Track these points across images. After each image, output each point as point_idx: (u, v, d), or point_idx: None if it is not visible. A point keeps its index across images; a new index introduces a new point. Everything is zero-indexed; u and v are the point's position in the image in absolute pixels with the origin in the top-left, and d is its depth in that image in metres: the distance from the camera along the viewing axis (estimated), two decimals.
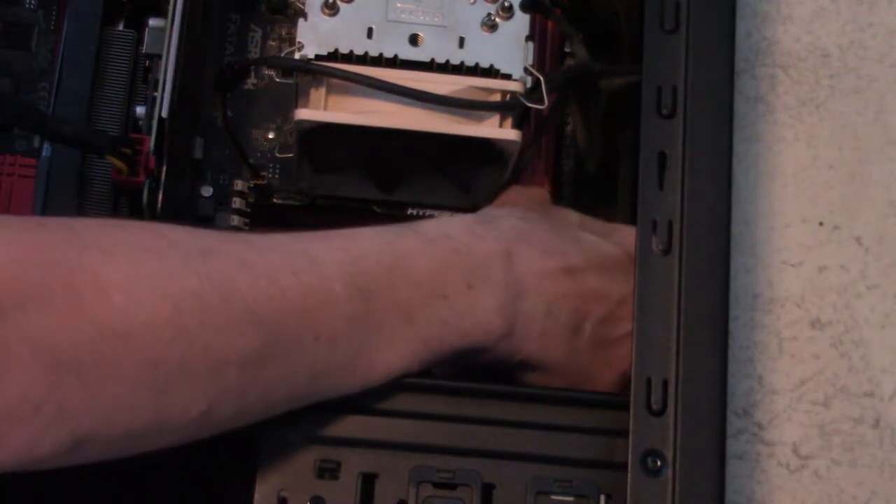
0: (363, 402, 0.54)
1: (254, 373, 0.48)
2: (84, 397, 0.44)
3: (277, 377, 0.49)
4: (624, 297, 0.56)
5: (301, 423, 0.53)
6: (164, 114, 0.59)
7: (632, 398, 0.53)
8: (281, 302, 0.48)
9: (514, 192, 0.62)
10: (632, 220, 0.57)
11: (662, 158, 0.56)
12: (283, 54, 0.61)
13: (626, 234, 0.58)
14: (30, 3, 0.65)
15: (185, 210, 0.65)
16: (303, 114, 0.58)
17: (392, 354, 0.52)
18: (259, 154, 0.67)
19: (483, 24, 0.59)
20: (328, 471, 0.53)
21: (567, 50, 0.66)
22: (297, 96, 0.60)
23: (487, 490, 0.53)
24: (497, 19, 0.59)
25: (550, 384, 0.56)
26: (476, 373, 0.57)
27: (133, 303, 0.44)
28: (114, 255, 0.45)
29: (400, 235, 0.53)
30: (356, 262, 0.51)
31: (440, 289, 0.53)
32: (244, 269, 0.48)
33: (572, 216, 0.61)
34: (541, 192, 0.63)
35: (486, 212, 0.59)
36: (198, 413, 0.47)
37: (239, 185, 0.66)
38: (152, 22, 0.63)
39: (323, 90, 0.59)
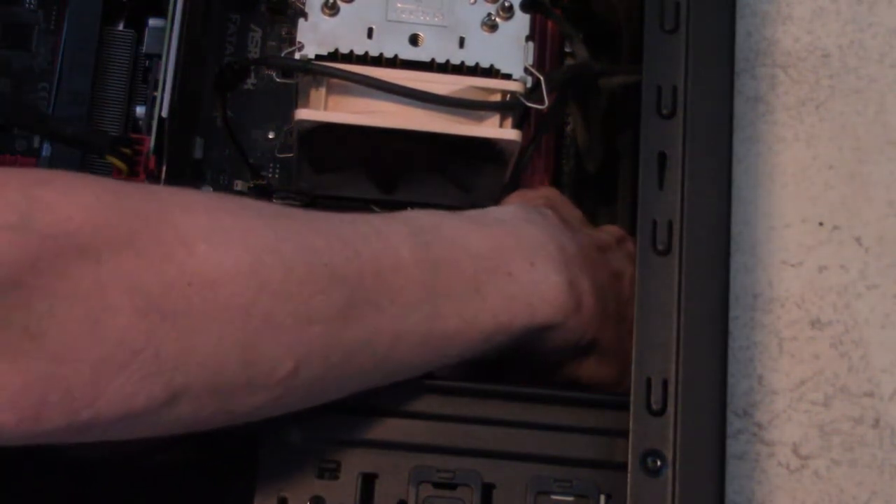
0: (363, 401, 0.54)
1: (337, 332, 0.48)
2: (177, 346, 0.44)
3: (358, 338, 0.49)
4: (632, 278, 0.57)
5: (301, 422, 0.53)
6: (164, 114, 0.59)
7: (632, 398, 0.53)
8: (356, 262, 0.49)
9: (523, 193, 0.62)
10: (632, 220, 0.57)
11: (662, 158, 0.56)
12: (283, 54, 0.61)
13: (612, 228, 0.60)
14: (30, 3, 0.65)
15: None
16: (303, 114, 0.58)
17: (464, 325, 0.52)
18: (259, 154, 0.67)
19: (483, 24, 0.59)
20: (328, 471, 0.53)
21: (567, 50, 0.66)
22: (297, 96, 0.60)
23: (487, 490, 0.53)
24: (497, 19, 0.59)
25: (607, 370, 0.57)
26: (483, 373, 0.57)
27: (217, 252, 0.45)
28: (193, 210, 0.46)
29: (452, 218, 0.54)
30: (418, 235, 0.52)
31: (503, 265, 0.53)
32: (318, 232, 0.49)
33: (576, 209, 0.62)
34: (550, 191, 0.63)
35: (517, 205, 0.59)
36: (285, 372, 0.47)
37: (239, 185, 0.66)
38: (152, 22, 0.63)
39: (323, 90, 0.59)
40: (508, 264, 0.53)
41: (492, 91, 0.59)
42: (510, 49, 0.59)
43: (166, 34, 0.60)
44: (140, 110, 0.62)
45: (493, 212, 0.57)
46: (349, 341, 0.49)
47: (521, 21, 0.59)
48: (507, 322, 0.53)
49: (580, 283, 0.55)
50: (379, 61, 0.59)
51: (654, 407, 0.53)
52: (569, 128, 0.68)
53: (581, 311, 0.55)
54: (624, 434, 0.52)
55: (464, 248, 0.53)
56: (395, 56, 0.58)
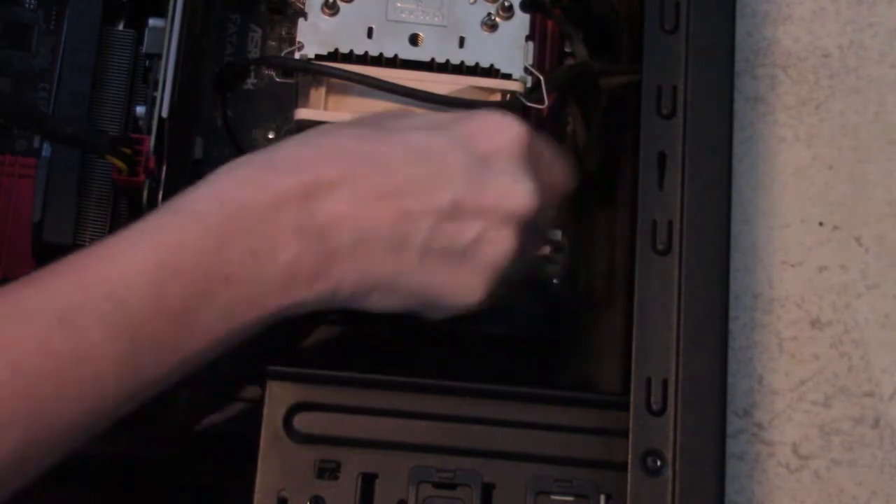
0: (363, 401, 0.54)
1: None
2: None
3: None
4: (455, 204, 0.51)
5: (301, 422, 0.53)
6: (164, 114, 0.59)
7: (632, 398, 0.53)
8: (35, 385, 0.45)
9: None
10: (632, 220, 0.57)
11: (662, 158, 0.56)
12: (283, 54, 0.61)
13: (471, 124, 0.53)
14: (30, 3, 0.65)
15: None
16: (303, 114, 0.58)
17: (180, 364, 0.48)
18: None
19: (483, 23, 0.59)
20: (328, 471, 0.53)
21: (567, 50, 0.66)
22: (297, 96, 0.60)
23: (487, 490, 0.53)
24: (497, 19, 0.59)
25: (396, 303, 0.53)
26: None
27: None
28: None
29: (165, 227, 0.49)
30: (120, 305, 0.47)
31: (218, 270, 0.48)
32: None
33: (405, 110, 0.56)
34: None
35: (309, 133, 0.54)
36: None
37: None
38: (152, 22, 0.63)
39: (323, 90, 0.59)
40: (224, 266, 0.48)
41: (492, 91, 0.59)
42: (510, 49, 0.59)
43: (166, 34, 0.60)
44: (140, 110, 0.62)
45: (232, 173, 0.51)
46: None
47: (521, 21, 0.59)
48: (240, 329, 0.49)
49: (322, 245, 0.50)
50: (379, 61, 0.59)
51: (654, 407, 0.53)
52: (569, 128, 0.68)
53: (328, 272, 0.50)
54: (624, 434, 0.52)
55: (171, 273, 0.48)
56: (395, 56, 0.58)
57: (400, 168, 0.52)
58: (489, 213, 0.52)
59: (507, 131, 0.53)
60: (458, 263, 0.52)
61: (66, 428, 0.46)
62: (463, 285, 0.53)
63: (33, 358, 0.45)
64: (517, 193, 0.52)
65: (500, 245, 0.52)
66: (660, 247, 0.55)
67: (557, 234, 0.61)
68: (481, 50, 0.59)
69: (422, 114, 0.57)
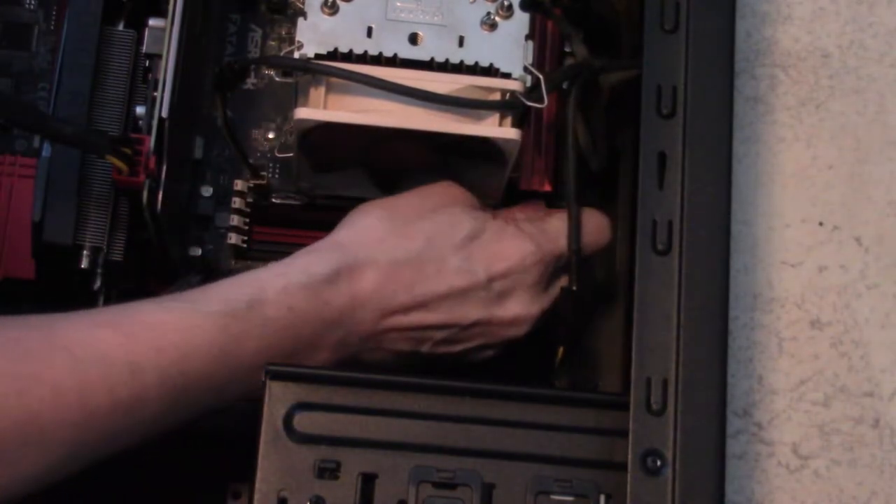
0: (363, 401, 0.54)
1: None
2: None
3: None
4: (478, 322, 0.59)
5: (301, 422, 0.53)
6: (164, 114, 0.59)
7: (632, 398, 0.53)
8: (82, 420, 0.50)
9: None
10: (632, 220, 0.57)
11: (662, 158, 0.56)
12: (282, 54, 0.61)
13: (554, 227, 0.61)
14: (30, 3, 0.65)
15: (184, 210, 0.65)
16: (303, 113, 0.58)
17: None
18: (259, 154, 0.66)
19: (483, 23, 0.59)
20: (328, 471, 0.53)
21: (567, 49, 0.66)
22: (297, 96, 0.60)
23: (487, 490, 0.53)
24: (497, 18, 0.59)
25: None
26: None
27: None
28: None
29: (235, 318, 0.54)
30: (179, 363, 0.52)
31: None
32: (56, 395, 0.49)
33: (466, 224, 0.60)
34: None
35: (357, 246, 0.59)
36: None
37: (239, 185, 0.66)
38: (152, 22, 0.63)
39: (323, 89, 0.58)
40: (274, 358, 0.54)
41: (491, 90, 0.59)
42: (510, 48, 0.59)
43: (166, 34, 0.60)
44: (140, 110, 0.62)
45: (301, 286, 0.56)
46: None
47: (521, 20, 0.59)
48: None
49: (356, 350, 0.58)
50: (378, 60, 0.58)
51: (654, 407, 0.53)
52: (569, 128, 0.68)
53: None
54: (624, 434, 0.52)
55: (232, 360, 0.53)
56: (395, 55, 0.58)
57: (438, 286, 0.58)
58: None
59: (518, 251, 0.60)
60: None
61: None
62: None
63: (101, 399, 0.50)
64: (523, 321, 0.60)
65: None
66: (660, 247, 0.55)
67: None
68: (481, 49, 0.59)
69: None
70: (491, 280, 0.59)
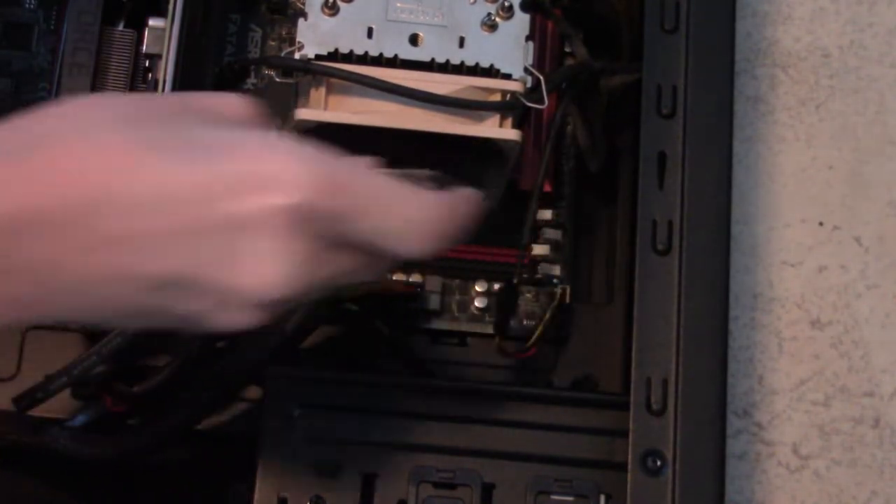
0: (363, 402, 0.54)
1: None
2: None
3: None
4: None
5: (301, 422, 0.53)
6: None
7: (632, 398, 0.53)
8: None
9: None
10: (632, 219, 0.57)
11: (662, 158, 0.56)
12: (283, 54, 0.61)
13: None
14: (30, 3, 0.65)
15: None
16: (303, 114, 0.58)
17: None
18: None
19: (483, 23, 0.59)
20: (328, 471, 0.53)
21: (567, 50, 0.66)
22: (297, 96, 0.60)
23: (487, 490, 0.53)
24: (497, 19, 0.59)
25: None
26: None
27: None
28: None
29: None
30: None
31: None
32: None
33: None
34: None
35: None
36: None
37: None
38: (152, 22, 0.63)
39: (323, 90, 0.58)
40: None
41: (492, 91, 0.59)
42: (510, 49, 0.59)
43: (166, 34, 0.60)
44: None
45: None
46: None
47: (521, 21, 0.59)
48: None
49: None
50: (379, 61, 0.58)
51: (654, 407, 0.53)
52: (569, 128, 0.68)
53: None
54: (624, 434, 0.52)
55: None
56: (395, 56, 0.58)
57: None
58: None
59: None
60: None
61: None
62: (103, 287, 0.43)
63: None
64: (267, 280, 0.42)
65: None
66: (660, 247, 0.55)
67: (558, 235, 0.61)
68: (481, 50, 0.59)
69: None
70: None
